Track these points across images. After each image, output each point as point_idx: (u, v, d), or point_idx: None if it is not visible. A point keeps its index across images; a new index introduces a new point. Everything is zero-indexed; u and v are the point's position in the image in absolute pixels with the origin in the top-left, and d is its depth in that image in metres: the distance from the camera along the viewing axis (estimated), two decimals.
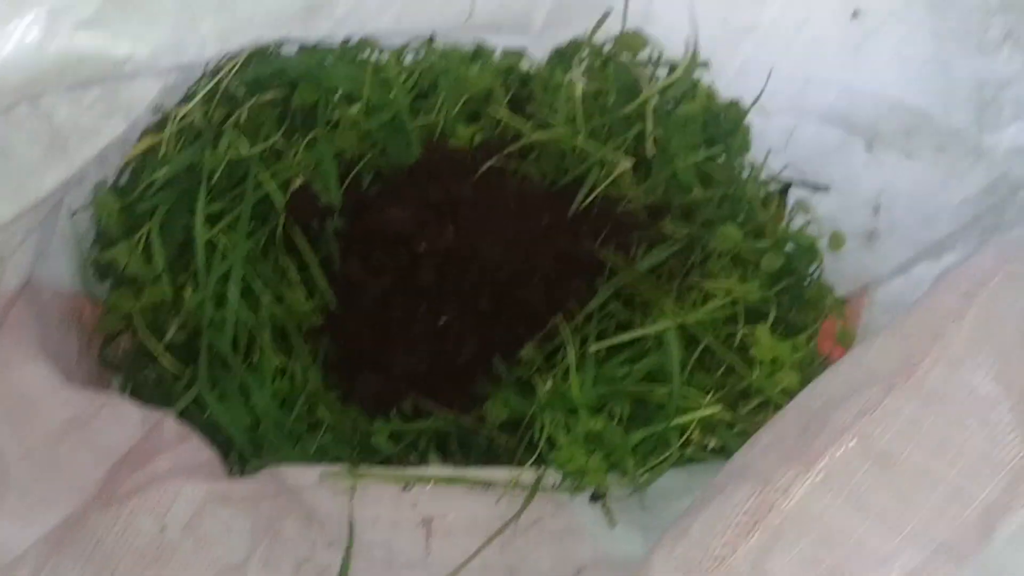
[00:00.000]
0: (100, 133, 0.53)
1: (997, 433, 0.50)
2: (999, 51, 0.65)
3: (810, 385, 0.58)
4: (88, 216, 0.71)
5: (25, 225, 0.53)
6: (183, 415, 0.68)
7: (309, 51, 0.72)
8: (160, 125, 0.71)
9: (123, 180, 0.73)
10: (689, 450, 0.72)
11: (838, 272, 0.86)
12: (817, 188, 0.86)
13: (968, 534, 0.48)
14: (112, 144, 0.57)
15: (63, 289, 0.69)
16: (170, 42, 0.49)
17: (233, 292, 0.68)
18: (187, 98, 0.71)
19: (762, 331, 0.75)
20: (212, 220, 0.70)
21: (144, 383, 0.72)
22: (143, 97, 0.55)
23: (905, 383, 0.52)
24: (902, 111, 0.76)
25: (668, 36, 0.82)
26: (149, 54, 0.48)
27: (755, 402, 0.74)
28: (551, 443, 0.69)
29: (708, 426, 0.72)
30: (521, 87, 0.81)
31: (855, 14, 0.73)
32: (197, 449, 0.63)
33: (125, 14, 0.46)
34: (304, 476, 0.65)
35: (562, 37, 0.81)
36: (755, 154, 0.87)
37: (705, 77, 0.84)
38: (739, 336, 0.76)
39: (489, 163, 0.74)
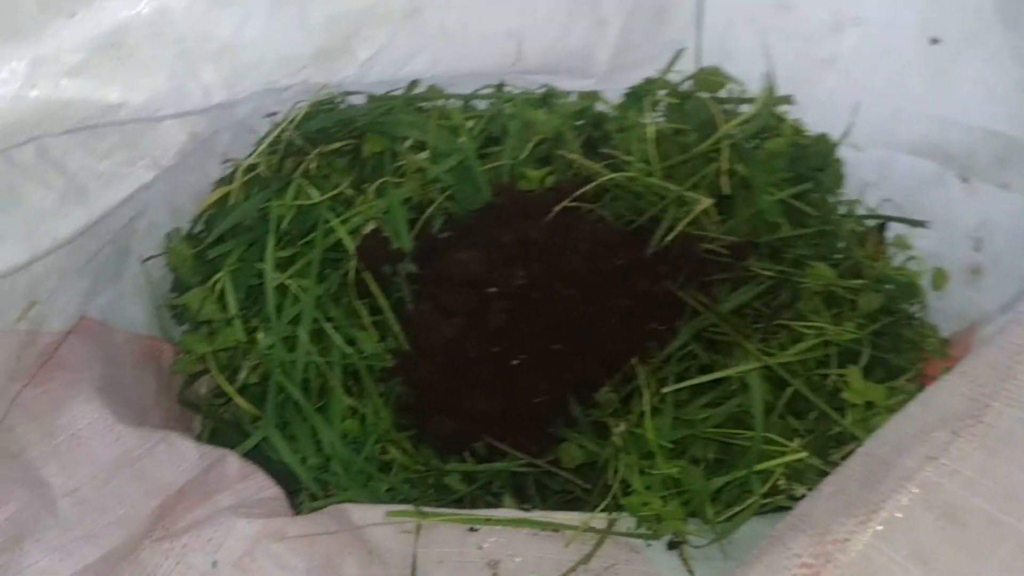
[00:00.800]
0: (124, 180, 0.55)
1: None
2: None
3: (878, 430, 0.54)
4: (162, 263, 0.75)
5: (56, 269, 0.55)
6: (258, 453, 0.70)
7: (375, 100, 0.74)
8: (232, 176, 0.74)
9: (197, 229, 0.76)
10: (777, 498, 0.68)
11: (943, 310, 0.82)
12: (915, 223, 0.82)
13: None
14: (141, 190, 0.58)
15: (138, 332, 0.71)
16: (168, 89, 0.50)
17: (303, 335, 0.70)
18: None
19: (854, 374, 0.71)
20: (283, 266, 0.72)
21: (222, 423, 0.74)
22: (169, 145, 0.57)
23: (973, 428, 0.48)
24: (993, 140, 0.72)
25: (748, 73, 0.81)
26: (144, 101, 0.50)
27: (848, 448, 0.70)
28: (626, 487, 0.67)
29: (795, 473, 0.69)
30: (595, 129, 0.81)
31: (934, 41, 0.70)
32: (261, 486, 0.64)
33: (115, 62, 0.47)
34: (369, 514, 0.65)
35: (635, 78, 0.81)
36: (849, 190, 0.84)
37: (791, 112, 0.82)
38: (831, 379, 0.72)
39: (561, 204, 0.74)
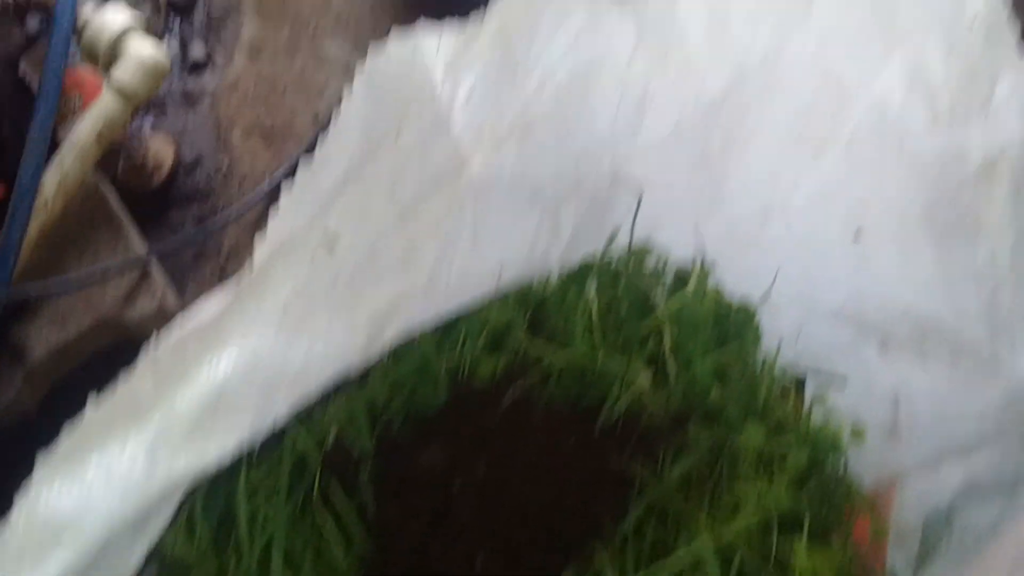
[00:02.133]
0: (179, 489, 0.52)
1: None
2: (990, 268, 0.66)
3: None
4: None
5: None
6: None
7: None
8: None
9: None
10: None
11: (865, 464, 0.86)
12: (831, 380, 0.87)
13: None
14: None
15: None
16: (252, 428, 0.50)
17: (277, 561, 0.67)
18: None
19: (799, 547, 0.74)
20: (250, 489, 0.69)
21: None
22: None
23: None
24: (913, 318, 0.77)
25: (676, 239, 0.85)
26: (235, 445, 0.49)
27: None
28: None
29: None
30: (538, 308, 0.82)
31: (858, 234, 0.75)
32: None
33: (215, 418, 0.46)
34: None
35: (574, 259, 0.83)
36: (766, 347, 0.88)
37: (711, 277, 0.86)
38: (774, 547, 0.75)
39: (513, 394, 0.75)
